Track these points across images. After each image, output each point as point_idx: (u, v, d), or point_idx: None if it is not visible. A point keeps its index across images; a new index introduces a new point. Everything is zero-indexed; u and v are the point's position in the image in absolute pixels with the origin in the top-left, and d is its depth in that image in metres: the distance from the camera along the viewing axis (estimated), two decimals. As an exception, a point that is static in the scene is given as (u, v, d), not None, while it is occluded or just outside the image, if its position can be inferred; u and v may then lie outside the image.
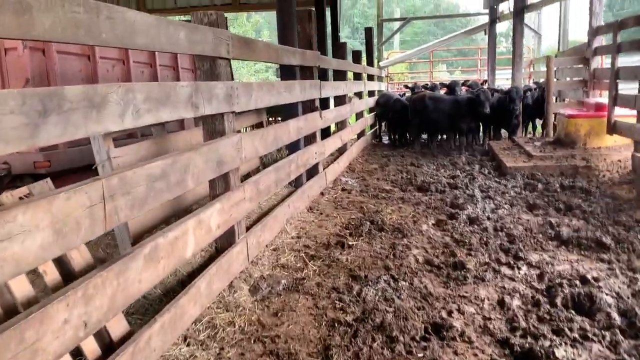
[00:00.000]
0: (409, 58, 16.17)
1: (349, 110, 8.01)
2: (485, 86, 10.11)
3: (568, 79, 9.81)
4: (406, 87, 11.08)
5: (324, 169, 6.14)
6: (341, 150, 7.70)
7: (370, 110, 11.98)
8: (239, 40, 3.50)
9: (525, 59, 11.61)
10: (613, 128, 6.68)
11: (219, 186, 3.38)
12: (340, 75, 8.23)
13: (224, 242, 3.45)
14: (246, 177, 5.17)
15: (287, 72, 5.15)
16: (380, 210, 5.06)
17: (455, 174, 6.89)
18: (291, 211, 4.67)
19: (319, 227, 4.66)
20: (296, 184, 5.36)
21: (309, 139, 5.78)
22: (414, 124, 9.47)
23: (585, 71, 8.24)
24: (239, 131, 5.36)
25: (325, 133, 7.93)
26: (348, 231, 4.51)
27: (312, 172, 5.75)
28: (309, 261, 3.81)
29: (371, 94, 11.81)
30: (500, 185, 6.08)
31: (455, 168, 7.49)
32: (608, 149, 6.93)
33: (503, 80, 14.78)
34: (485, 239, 4.14)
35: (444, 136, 9.89)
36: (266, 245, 4.02)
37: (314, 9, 5.54)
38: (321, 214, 5.17)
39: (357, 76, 10.23)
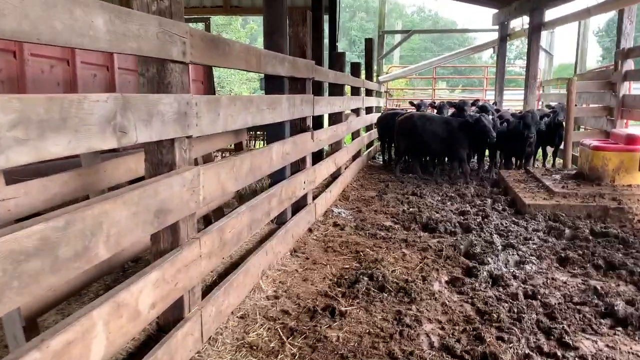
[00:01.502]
0: (410, 73, 15.32)
1: (345, 129, 7.10)
2: (494, 108, 9.24)
3: (584, 105, 8.96)
4: (411, 104, 10.17)
5: (313, 199, 5.19)
6: (334, 175, 6.76)
7: (367, 128, 11.10)
8: (202, 38, 2.56)
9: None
10: (648, 165, 5.80)
11: (164, 240, 2.42)
12: (337, 90, 7.32)
13: (169, 316, 2.49)
14: (217, 212, 4.20)
15: (273, 85, 4.22)
16: (380, 259, 4.10)
17: (464, 209, 5.97)
18: (269, 259, 3.71)
19: (303, 281, 3.70)
20: (279, 220, 4.41)
21: (298, 165, 4.84)
22: (400, 146, 8.52)
23: (611, 97, 7.39)
24: (208, 159, 4.41)
25: (318, 154, 7.02)
26: (340, 289, 3.54)
27: (299, 204, 4.80)
28: (287, 338, 2.85)
29: (369, 110, 10.92)
30: (520, 228, 5.16)
31: (463, 201, 6.57)
32: (640, 188, 6.05)
33: (507, 102, 13.98)
34: (516, 312, 3.20)
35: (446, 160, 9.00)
36: (232, 312, 3.05)
37: (309, 11, 4.59)
38: (307, 258, 4.21)
39: (355, 91, 9.35)
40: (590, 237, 4.84)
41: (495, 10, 12.52)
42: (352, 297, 3.41)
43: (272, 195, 3.76)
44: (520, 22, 11.05)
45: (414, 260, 4.20)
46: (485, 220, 5.47)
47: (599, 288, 3.56)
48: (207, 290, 2.92)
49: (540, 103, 11.18)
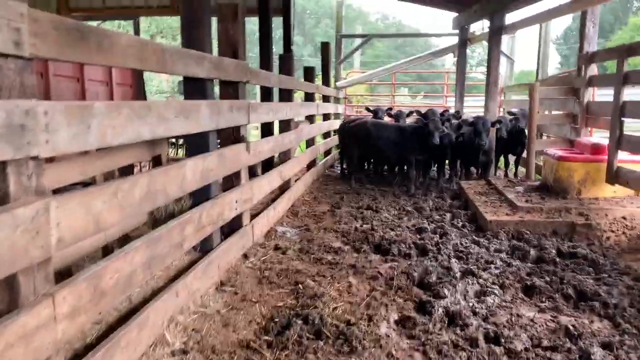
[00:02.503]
0: (369, 79, 14.85)
1: (294, 138, 6.49)
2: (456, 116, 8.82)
3: (547, 112, 8.62)
4: (367, 109, 9.65)
5: (251, 220, 4.56)
6: (283, 189, 6.14)
7: (325, 136, 10.55)
8: (57, 26, 1.90)
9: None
10: (615, 176, 5.41)
11: (-3, 302, 1.75)
12: (286, 95, 6.73)
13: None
14: (124, 242, 3.52)
15: (193, 88, 3.57)
16: (321, 294, 3.49)
17: (422, 226, 5.43)
18: (181, 301, 3.05)
19: (223, 327, 3.05)
20: (203, 247, 3.75)
21: (231, 181, 4.21)
22: (353, 154, 8.10)
23: (575, 104, 7.02)
24: (110, 178, 3.68)
25: (268, 166, 6.42)
26: (266, 337, 2.92)
27: (231, 227, 4.16)
28: (186, 415, 2.21)
29: (326, 117, 10.37)
30: (481, 249, 4.65)
31: (421, 216, 6.06)
32: (608, 201, 5.65)
33: (469, 109, 13.66)
34: (476, 364, 2.65)
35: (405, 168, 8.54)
36: (118, 379, 2.38)
37: (238, 1, 3.97)
38: (236, 294, 3.57)
39: (309, 96, 8.77)
40: (558, 259, 4.37)
41: (456, 14, 12.18)
42: (280, 347, 2.79)
43: (187, 222, 3.11)
44: (481, 26, 10.74)
45: (360, 292, 3.62)
46: (444, 239, 4.95)
47: (571, 328, 3.04)
48: (88, 350, 2.25)
49: (501, 109, 10.84)
